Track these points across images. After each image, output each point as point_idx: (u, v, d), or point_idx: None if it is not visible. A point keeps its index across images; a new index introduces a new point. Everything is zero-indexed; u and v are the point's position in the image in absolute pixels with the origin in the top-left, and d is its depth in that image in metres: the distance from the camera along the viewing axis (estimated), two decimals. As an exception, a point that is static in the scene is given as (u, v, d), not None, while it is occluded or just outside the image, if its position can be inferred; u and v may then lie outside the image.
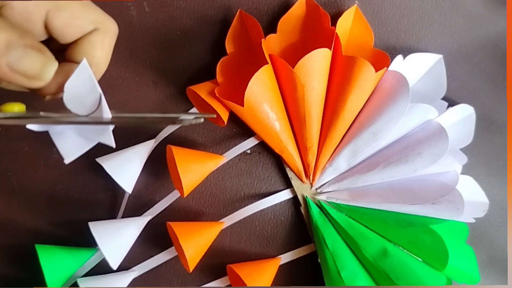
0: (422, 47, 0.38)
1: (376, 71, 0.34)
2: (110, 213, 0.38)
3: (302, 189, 0.37)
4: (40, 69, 0.23)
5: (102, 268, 0.36)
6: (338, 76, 0.35)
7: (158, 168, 0.38)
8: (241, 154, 0.38)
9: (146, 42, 0.38)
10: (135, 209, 0.38)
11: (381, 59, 0.36)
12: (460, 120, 0.36)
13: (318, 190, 0.37)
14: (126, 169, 0.34)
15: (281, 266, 0.38)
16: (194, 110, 0.37)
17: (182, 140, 0.38)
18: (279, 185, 0.38)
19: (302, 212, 0.37)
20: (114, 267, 0.33)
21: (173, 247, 0.37)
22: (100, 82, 0.25)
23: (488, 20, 0.39)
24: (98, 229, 0.33)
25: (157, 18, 0.38)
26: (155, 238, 0.38)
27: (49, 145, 0.38)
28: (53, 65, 0.23)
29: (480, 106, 0.38)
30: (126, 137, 0.38)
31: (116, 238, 0.33)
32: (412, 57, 0.36)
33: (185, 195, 0.35)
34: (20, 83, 0.23)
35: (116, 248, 0.33)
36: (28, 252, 0.37)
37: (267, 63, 0.34)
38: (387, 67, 0.35)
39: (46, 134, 0.38)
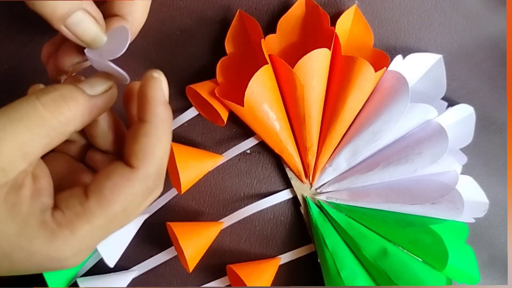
0: (422, 47, 0.38)
1: (375, 71, 0.34)
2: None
3: (302, 189, 0.37)
4: (92, 38, 0.25)
5: (101, 268, 0.36)
6: (337, 76, 0.35)
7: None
8: (241, 154, 0.38)
9: (146, 42, 0.38)
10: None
11: (380, 59, 0.36)
12: (460, 120, 0.36)
13: (318, 190, 0.37)
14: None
15: (281, 266, 0.38)
16: (192, 109, 0.37)
17: (182, 140, 0.38)
18: (279, 185, 0.38)
19: (302, 212, 0.37)
20: (111, 265, 0.33)
21: (173, 247, 0.37)
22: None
23: (488, 20, 0.39)
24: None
25: (157, 18, 0.38)
26: (155, 238, 0.38)
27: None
28: (104, 38, 0.25)
29: (480, 106, 0.38)
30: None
31: (112, 236, 0.33)
32: (412, 57, 0.36)
33: (182, 192, 0.35)
34: (74, 41, 0.25)
35: (112, 246, 0.33)
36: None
37: (267, 63, 0.34)
38: (387, 67, 0.35)
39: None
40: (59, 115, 0.22)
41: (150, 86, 0.24)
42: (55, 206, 0.23)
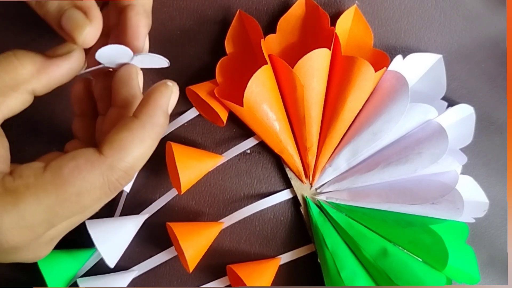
0: (422, 47, 0.38)
1: (375, 71, 0.34)
2: (108, 212, 0.38)
3: (302, 189, 0.37)
4: (77, 31, 0.24)
5: (101, 268, 0.36)
6: (337, 76, 0.35)
7: (157, 167, 0.38)
8: (240, 154, 0.38)
9: (146, 42, 0.38)
10: (133, 208, 0.38)
11: (380, 59, 0.36)
12: (460, 120, 0.36)
13: (318, 190, 0.37)
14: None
15: (281, 266, 0.38)
16: (192, 110, 0.37)
17: (181, 140, 0.38)
18: (279, 185, 0.38)
19: (302, 212, 0.37)
20: (111, 265, 0.33)
21: (173, 247, 0.37)
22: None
23: (488, 20, 0.39)
24: (95, 227, 0.33)
25: (157, 18, 0.38)
26: (155, 238, 0.38)
27: (49, 145, 0.38)
28: (87, 30, 0.24)
29: (480, 106, 0.38)
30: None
31: (112, 236, 0.33)
32: (412, 57, 0.36)
33: (182, 192, 0.35)
34: (67, 38, 0.24)
35: (113, 246, 0.33)
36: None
37: (267, 63, 0.34)
38: (387, 67, 0.35)
39: (46, 134, 0.38)
40: (10, 70, 0.22)
41: (158, 90, 0.23)
42: (10, 174, 0.22)
